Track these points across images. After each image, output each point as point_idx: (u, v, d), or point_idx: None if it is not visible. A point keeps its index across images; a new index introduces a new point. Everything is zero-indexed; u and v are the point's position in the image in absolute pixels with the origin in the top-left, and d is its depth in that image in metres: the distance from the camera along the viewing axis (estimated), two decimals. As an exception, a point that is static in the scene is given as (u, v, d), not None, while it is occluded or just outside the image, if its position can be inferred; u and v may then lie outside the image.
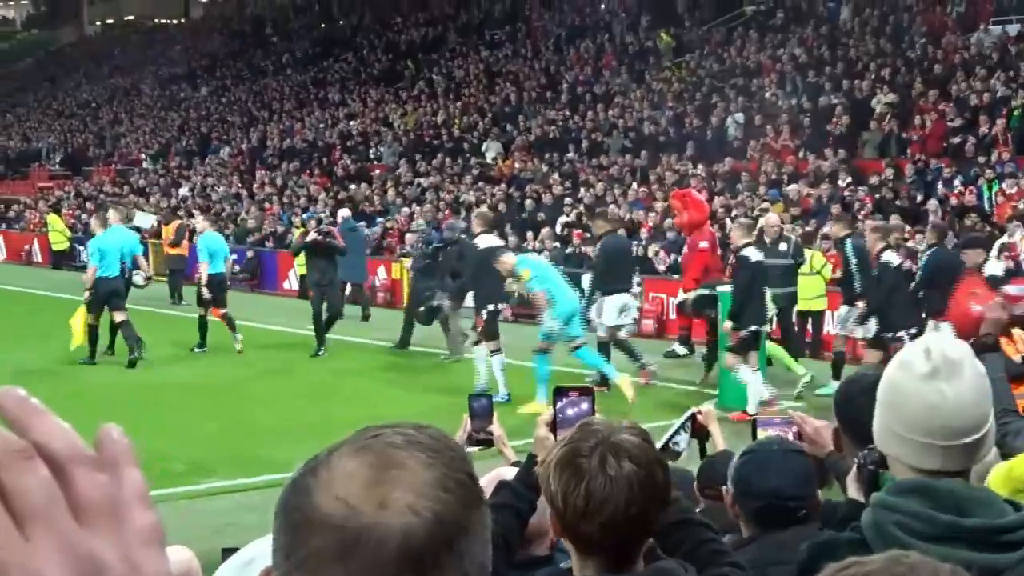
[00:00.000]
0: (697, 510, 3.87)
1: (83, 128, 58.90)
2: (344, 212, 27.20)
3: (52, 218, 37.45)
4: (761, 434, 4.67)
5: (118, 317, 19.23)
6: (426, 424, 1.55)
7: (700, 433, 5.44)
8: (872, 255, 16.01)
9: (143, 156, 50.14)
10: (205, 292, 20.31)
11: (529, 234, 27.18)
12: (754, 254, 16.02)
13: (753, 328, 15.57)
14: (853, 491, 3.54)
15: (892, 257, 15.83)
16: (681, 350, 19.95)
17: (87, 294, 19.15)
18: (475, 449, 4.45)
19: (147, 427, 14.90)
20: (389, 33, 52.61)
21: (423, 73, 45.60)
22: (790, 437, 4.38)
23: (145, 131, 54.15)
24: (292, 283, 26.63)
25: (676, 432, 5.35)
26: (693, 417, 5.45)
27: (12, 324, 21.91)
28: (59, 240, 35.86)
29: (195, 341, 20.74)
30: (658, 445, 4.71)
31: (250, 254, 31.21)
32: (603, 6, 44.64)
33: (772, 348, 17.05)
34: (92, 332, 19.27)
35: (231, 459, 13.25)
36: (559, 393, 3.78)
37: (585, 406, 3.72)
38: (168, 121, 54.61)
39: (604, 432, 2.89)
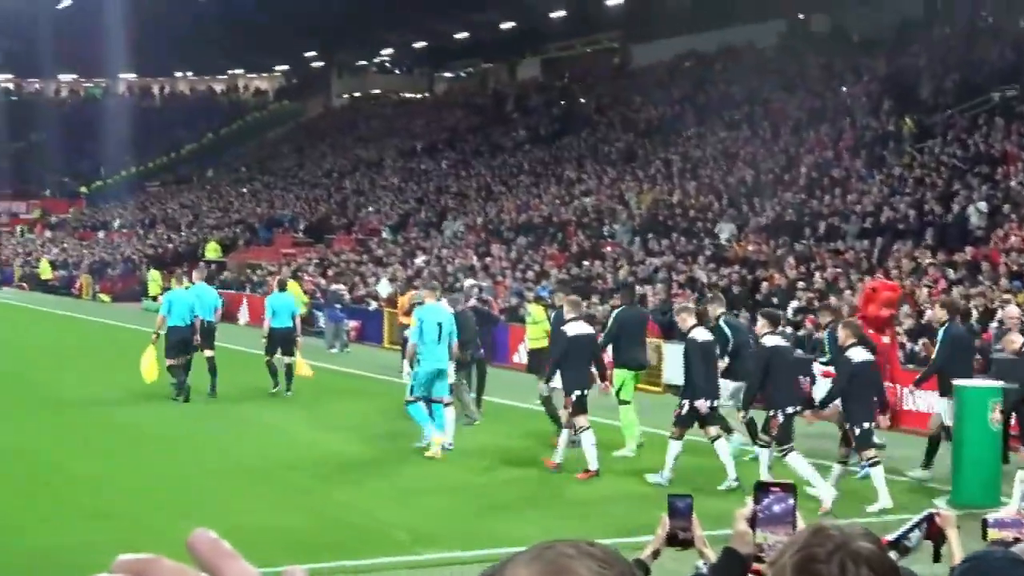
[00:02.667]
0: None
1: (327, 197, 60.74)
2: (469, 281, 29.29)
3: (291, 284, 38.51)
4: (992, 533, 4.53)
5: (168, 362, 22.23)
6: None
7: (936, 536, 5.28)
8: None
9: (382, 226, 51.34)
10: (264, 342, 23.61)
11: (759, 317, 26.90)
12: (572, 329, 16.62)
13: (577, 393, 16.30)
14: None
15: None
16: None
17: (154, 336, 22.37)
18: (674, 549, 4.41)
19: (375, 495, 15.22)
20: (628, 112, 52.98)
21: (660, 153, 45.79)
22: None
23: (386, 202, 55.53)
24: (521, 356, 26.81)
25: (911, 529, 5.22)
26: (931, 518, 5.31)
27: (243, 386, 22.87)
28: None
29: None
30: (890, 537, 4.63)
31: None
32: (844, 89, 44.15)
33: (625, 416, 17.85)
34: (188, 368, 22.41)
35: (455, 532, 13.35)
36: (761, 489, 3.67)
37: (791, 502, 3.63)
38: (408, 193, 55.92)
39: (840, 538, 2.85)
